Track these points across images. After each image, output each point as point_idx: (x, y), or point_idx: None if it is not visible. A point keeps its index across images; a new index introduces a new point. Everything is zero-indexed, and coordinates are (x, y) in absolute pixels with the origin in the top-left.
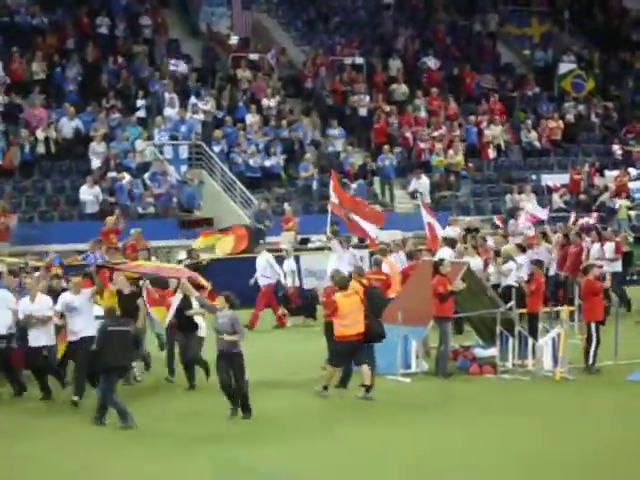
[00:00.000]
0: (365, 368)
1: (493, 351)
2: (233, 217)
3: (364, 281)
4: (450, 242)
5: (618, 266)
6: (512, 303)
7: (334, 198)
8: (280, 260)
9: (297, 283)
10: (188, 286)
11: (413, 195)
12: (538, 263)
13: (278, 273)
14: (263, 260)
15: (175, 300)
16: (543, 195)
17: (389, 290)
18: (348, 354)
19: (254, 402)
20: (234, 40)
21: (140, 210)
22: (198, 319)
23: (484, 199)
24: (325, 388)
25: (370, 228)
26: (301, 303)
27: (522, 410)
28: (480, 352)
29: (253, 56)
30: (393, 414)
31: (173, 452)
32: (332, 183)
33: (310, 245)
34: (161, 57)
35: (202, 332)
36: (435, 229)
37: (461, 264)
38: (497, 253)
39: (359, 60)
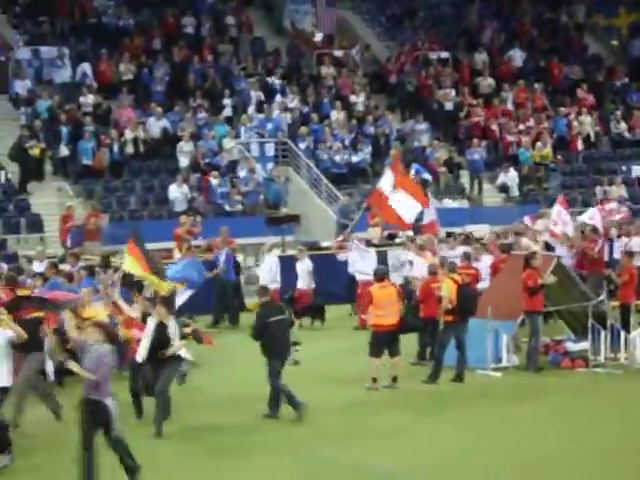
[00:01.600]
0: (397, 360)
1: (585, 345)
2: (319, 213)
3: (457, 277)
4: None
5: None
6: (604, 295)
7: (385, 181)
8: (290, 262)
9: (312, 285)
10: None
11: (502, 189)
12: (629, 254)
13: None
14: (270, 262)
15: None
16: (633, 186)
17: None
18: (384, 343)
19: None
20: (318, 37)
21: (228, 208)
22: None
23: (574, 191)
24: (374, 380)
25: (411, 209)
26: (311, 304)
27: (615, 404)
28: (572, 346)
29: (338, 53)
30: (484, 409)
31: None
32: (392, 161)
33: (398, 240)
34: (246, 55)
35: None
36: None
37: (551, 257)
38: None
39: (444, 54)
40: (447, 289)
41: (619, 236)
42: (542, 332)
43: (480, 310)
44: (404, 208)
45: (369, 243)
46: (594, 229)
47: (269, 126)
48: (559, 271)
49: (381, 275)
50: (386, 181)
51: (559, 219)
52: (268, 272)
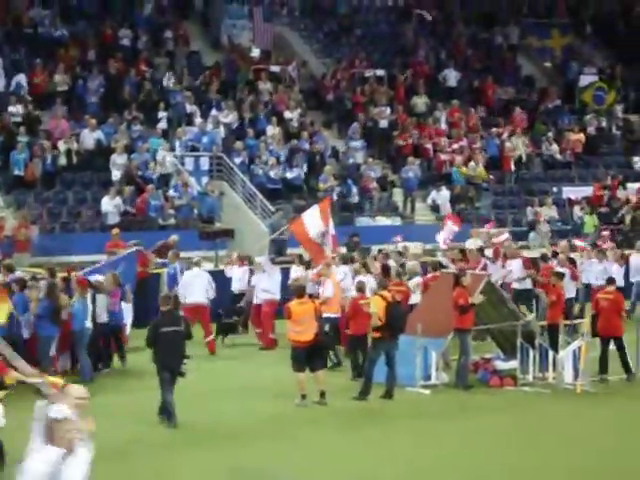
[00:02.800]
0: (321, 374)
1: (514, 363)
2: (253, 228)
3: (386, 294)
4: (344, 259)
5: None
6: (533, 315)
7: (309, 220)
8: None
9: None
10: None
11: (433, 207)
12: (558, 274)
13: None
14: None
15: None
16: (564, 208)
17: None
18: (303, 359)
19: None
20: (255, 53)
21: (161, 222)
22: None
23: (505, 211)
24: (303, 397)
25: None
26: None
27: (542, 423)
28: (501, 364)
29: (274, 68)
30: (412, 425)
31: None
32: (320, 207)
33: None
34: (182, 69)
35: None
36: (325, 244)
37: (481, 276)
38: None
39: (380, 72)
40: (376, 306)
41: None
42: (472, 350)
43: (410, 327)
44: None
45: (273, 261)
46: (480, 249)
47: (204, 140)
48: (489, 290)
49: (300, 291)
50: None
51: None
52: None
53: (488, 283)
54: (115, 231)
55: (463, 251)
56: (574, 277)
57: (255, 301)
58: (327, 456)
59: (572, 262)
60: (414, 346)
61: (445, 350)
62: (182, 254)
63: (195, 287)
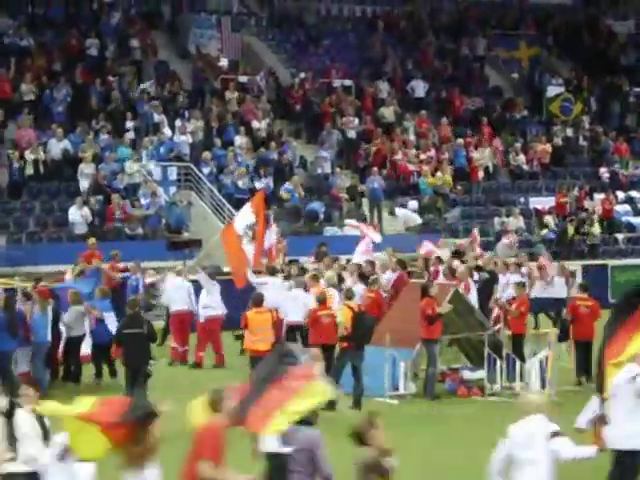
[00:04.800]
0: None
1: (481, 373)
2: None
3: (352, 304)
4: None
5: None
6: (500, 325)
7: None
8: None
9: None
10: None
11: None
12: (521, 284)
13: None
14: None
15: None
16: (531, 218)
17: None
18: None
19: None
20: (223, 62)
21: (128, 231)
22: None
23: (472, 221)
24: None
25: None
26: None
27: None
28: (468, 374)
29: (242, 78)
30: None
31: None
32: (255, 201)
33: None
34: (150, 78)
35: None
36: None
37: (448, 287)
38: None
39: (348, 82)
40: (342, 316)
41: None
42: (439, 360)
43: (378, 338)
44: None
45: (212, 276)
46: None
47: (172, 150)
48: (456, 300)
49: (258, 301)
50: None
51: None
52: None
53: (456, 293)
54: (91, 241)
55: (401, 261)
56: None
57: (199, 319)
58: None
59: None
60: (382, 356)
61: (414, 360)
62: (151, 264)
63: (178, 296)
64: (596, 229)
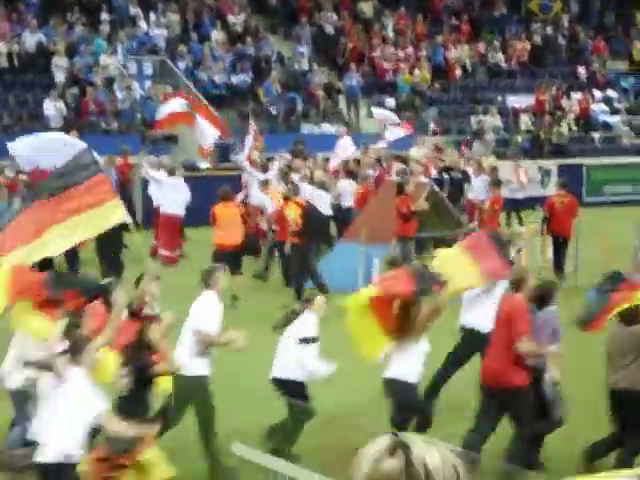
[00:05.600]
0: (238, 279)
1: None
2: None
3: (302, 201)
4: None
5: None
6: (475, 223)
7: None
8: None
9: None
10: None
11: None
12: (498, 183)
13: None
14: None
15: None
16: (508, 117)
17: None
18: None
19: None
20: None
21: (104, 125)
22: None
23: (450, 120)
24: (234, 298)
25: (208, 134)
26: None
27: None
28: None
29: None
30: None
31: None
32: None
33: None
34: None
35: None
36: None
37: (425, 184)
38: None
39: None
40: (292, 212)
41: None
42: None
43: (353, 234)
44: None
45: (173, 172)
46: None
47: (148, 44)
48: (433, 198)
49: (225, 195)
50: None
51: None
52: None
53: (432, 191)
54: (74, 133)
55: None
56: None
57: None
58: (251, 357)
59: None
60: (356, 252)
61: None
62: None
63: (174, 197)
64: (564, 128)
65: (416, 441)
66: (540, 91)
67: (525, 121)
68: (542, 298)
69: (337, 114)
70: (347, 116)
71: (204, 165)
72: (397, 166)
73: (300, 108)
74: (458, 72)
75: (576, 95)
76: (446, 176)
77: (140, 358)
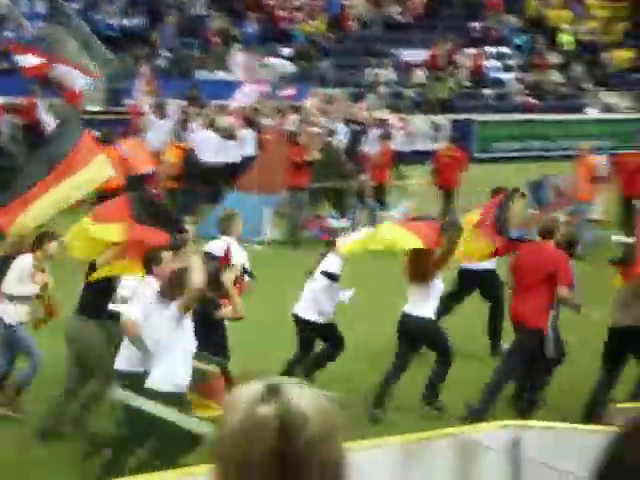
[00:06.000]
0: None
1: (345, 222)
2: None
3: (184, 145)
4: None
5: None
6: (367, 175)
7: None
8: None
9: None
10: None
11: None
12: (385, 136)
13: None
14: None
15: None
16: (403, 70)
17: None
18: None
19: None
20: None
21: None
22: None
23: (345, 72)
24: None
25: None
26: None
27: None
28: (333, 223)
29: None
30: None
31: None
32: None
33: None
34: None
35: None
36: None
37: (317, 135)
38: None
39: None
40: (171, 156)
41: None
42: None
43: (246, 184)
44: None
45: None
46: None
47: None
48: (326, 149)
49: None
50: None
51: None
52: None
53: (326, 143)
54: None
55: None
56: None
57: None
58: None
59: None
60: (248, 202)
61: (280, 207)
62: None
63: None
64: (450, 83)
65: (290, 386)
66: (435, 46)
67: (419, 75)
68: (571, 245)
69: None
70: (242, 63)
71: (94, 108)
72: (293, 116)
73: (195, 54)
74: (354, 23)
75: (470, 51)
76: (345, 128)
77: (212, 298)
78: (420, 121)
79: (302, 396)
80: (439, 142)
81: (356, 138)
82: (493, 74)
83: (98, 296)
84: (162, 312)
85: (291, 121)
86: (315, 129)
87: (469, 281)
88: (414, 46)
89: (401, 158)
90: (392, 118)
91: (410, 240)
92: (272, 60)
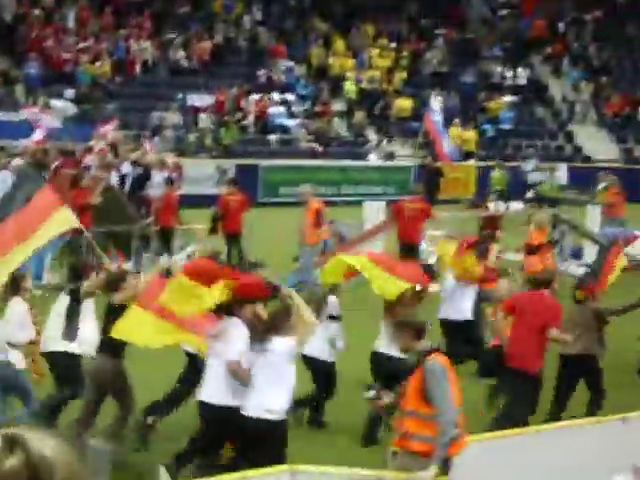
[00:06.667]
0: None
1: (129, 265)
2: None
3: None
4: None
5: None
6: (151, 219)
7: None
8: None
9: None
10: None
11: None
12: (171, 180)
13: None
14: None
15: None
16: (189, 115)
17: None
18: None
19: None
20: None
21: None
22: None
23: (131, 115)
24: None
25: None
26: None
27: None
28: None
29: None
30: None
31: None
32: None
33: None
34: None
35: None
36: None
37: (100, 178)
38: None
39: None
40: None
41: None
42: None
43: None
44: None
45: None
46: None
47: None
48: (108, 193)
49: None
50: None
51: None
52: None
53: (108, 186)
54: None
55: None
56: None
57: None
58: None
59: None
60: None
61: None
62: None
63: None
64: (235, 128)
65: (31, 435)
66: (220, 91)
67: (204, 120)
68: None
69: (15, 103)
70: (26, 104)
71: None
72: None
73: None
74: (139, 67)
75: (255, 97)
76: (130, 170)
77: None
78: (205, 165)
79: (44, 443)
80: (224, 186)
81: (141, 181)
82: (278, 120)
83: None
84: (264, 350)
85: (88, 161)
86: (99, 172)
87: (453, 330)
88: (200, 91)
89: (186, 202)
90: (177, 162)
91: (396, 284)
92: (55, 102)
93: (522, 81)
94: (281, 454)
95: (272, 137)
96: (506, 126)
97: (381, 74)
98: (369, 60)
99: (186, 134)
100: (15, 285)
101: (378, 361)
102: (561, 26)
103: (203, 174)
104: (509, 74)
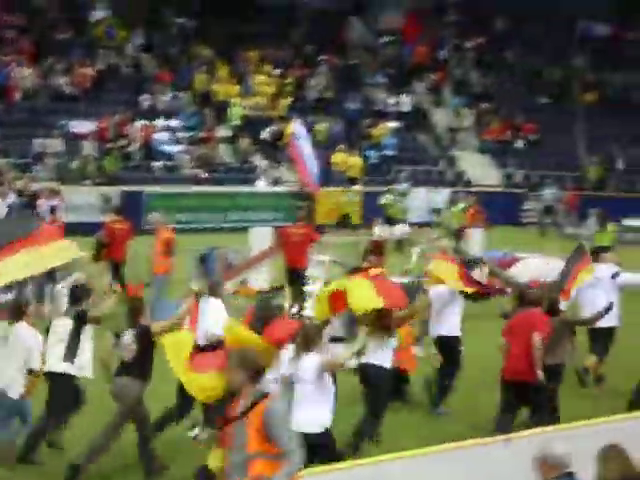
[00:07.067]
0: None
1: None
2: None
3: None
4: None
5: None
6: None
7: None
8: None
9: None
10: None
11: None
12: (54, 209)
13: None
14: None
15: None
16: (71, 142)
17: None
18: None
19: None
20: None
21: None
22: None
23: (11, 142)
24: None
25: None
26: None
27: None
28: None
29: None
30: None
31: None
32: None
33: None
34: None
35: None
36: None
37: None
38: None
39: None
40: None
41: None
42: None
43: None
44: None
45: None
46: None
47: None
48: None
49: None
50: None
51: None
52: None
53: None
54: None
55: None
56: None
57: None
58: None
59: None
60: None
61: None
62: None
63: None
64: (118, 155)
65: None
66: (103, 118)
67: (87, 147)
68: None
69: None
70: None
71: None
72: None
73: None
74: (20, 94)
75: (139, 123)
76: (16, 200)
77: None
78: (88, 193)
79: None
80: (107, 214)
81: (29, 209)
82: (162, 147)
83: None
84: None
85: None
86: None
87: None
88: (82, 118)
89: (69, 230)
90: (56, 190)
91: (373, 300)
92: None
93: (405, 108)
94: None
95: (156, 164)
96: (389, 152)
97: (266, 100)
98: (254, 86)
99: (69, 161)
100: (17, 311)
101: (366, 372)
102: (443, 53)
103: (86, 202)
104: (392, 101)
